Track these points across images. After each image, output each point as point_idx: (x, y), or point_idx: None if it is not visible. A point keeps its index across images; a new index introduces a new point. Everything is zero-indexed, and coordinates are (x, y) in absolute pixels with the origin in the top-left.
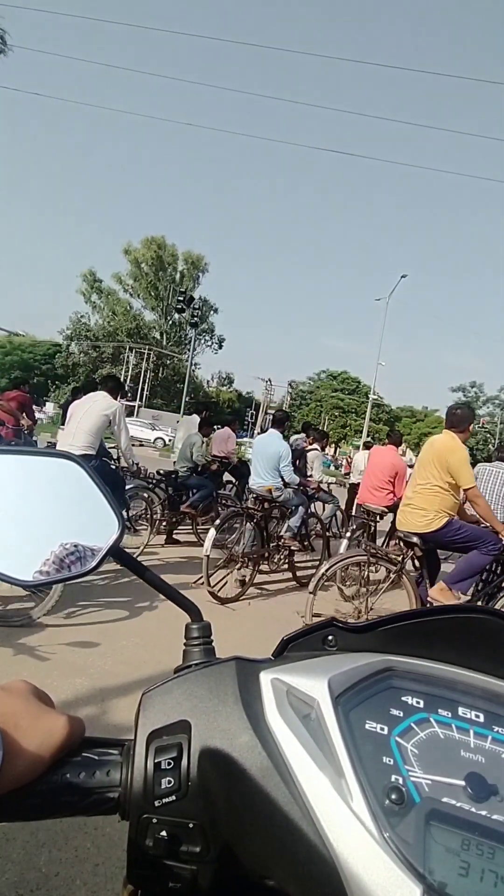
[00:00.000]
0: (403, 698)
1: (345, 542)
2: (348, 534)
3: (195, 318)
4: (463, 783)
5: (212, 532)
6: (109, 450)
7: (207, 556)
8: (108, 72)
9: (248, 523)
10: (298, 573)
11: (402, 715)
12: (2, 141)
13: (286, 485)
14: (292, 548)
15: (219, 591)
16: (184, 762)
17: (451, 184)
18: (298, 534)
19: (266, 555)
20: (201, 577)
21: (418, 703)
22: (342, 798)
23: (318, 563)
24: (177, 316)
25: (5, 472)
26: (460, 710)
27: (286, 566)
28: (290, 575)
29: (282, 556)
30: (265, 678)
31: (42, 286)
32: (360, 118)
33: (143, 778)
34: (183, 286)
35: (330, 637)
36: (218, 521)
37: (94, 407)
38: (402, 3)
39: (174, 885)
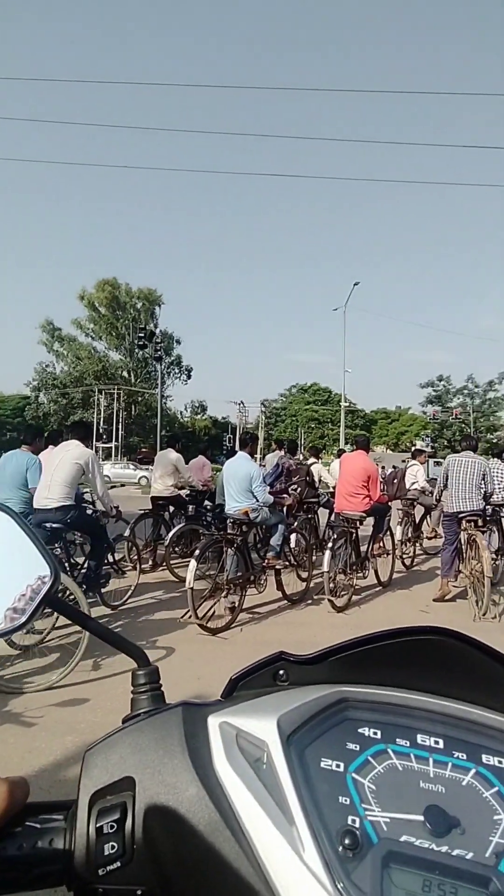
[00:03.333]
0: (360, 730)
1: (328, 553)
2: (330, 544)
3: (159, 352)
4: (422, 818)
5: (192, 564)
6: (84, 493)
7: (191, 588)
8: (40, 125)
9: (228, 549)
10: (289, 590)
11: (358, 749)
12: None
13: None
14: (277, 567)
15: (208, 621)
16: (128, 823)
17: (388, 189)
18: (282, 552)
19: (252, 578)
20: (188, 610)
21: (375, 734)
22: (293, 849)
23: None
24: (140, 353)
25: None
26: (419, 738)
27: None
28: (280, 594)
29: (267, 577)
30: (213, 722)
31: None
32: (295, 139)
33: (84, 844)
34: (142, 322)
35: (281, 671)
36: (198, 552)
37: (66, 456)
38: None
39: None
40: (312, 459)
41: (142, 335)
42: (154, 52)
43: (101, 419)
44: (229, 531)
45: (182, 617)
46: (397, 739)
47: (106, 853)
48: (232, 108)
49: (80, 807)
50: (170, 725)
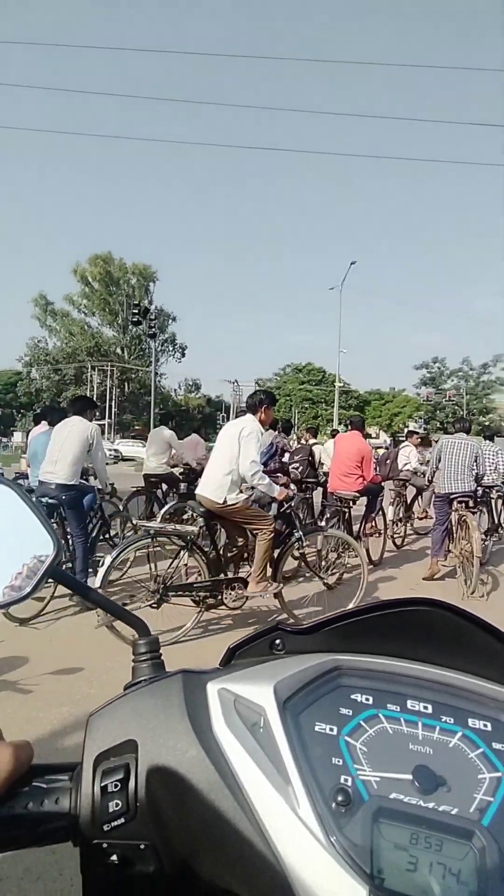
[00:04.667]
0: (353, 696)
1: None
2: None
3: (153, 329)
4: (410, 777)
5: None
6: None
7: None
8: (36, 92)
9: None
10: (285, 568)
11: (351, 713)
12: None
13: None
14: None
15: None
16: (131, 783)
17: (388, 167)
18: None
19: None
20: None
21: (367, 699)
22: (289, 805)
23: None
24: (134, 329)
25: None
26: (409, 703)
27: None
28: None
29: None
30: (212, 689)
31: None
32: (292, 113)
33: (90, 803)
34: (136, 298)
35: (277, 641)
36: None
37: (72, 431)
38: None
39: None
40: (313, 440)
41: (135, 311)
42: (153, 19)
43: (94, 396)
44: None
45: None
46: (388, 705)
47: (110, 810)
48: (232, 80)
49: (84, 768)
50: (170, 691)
